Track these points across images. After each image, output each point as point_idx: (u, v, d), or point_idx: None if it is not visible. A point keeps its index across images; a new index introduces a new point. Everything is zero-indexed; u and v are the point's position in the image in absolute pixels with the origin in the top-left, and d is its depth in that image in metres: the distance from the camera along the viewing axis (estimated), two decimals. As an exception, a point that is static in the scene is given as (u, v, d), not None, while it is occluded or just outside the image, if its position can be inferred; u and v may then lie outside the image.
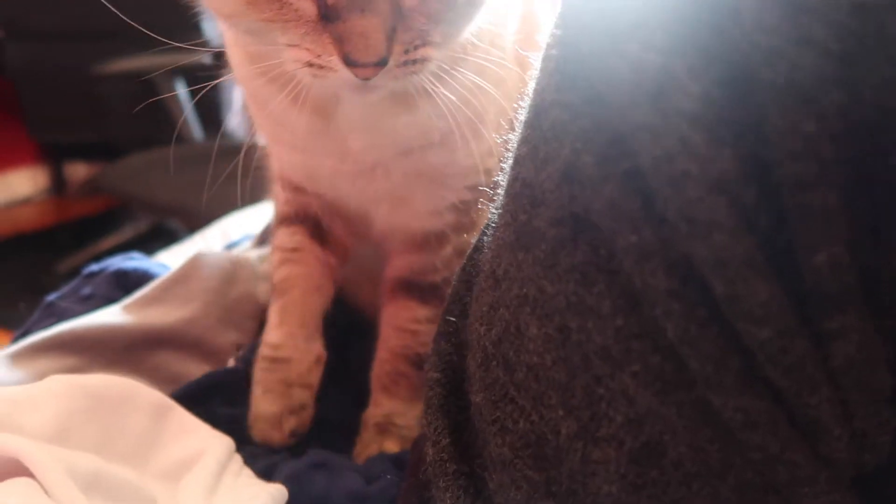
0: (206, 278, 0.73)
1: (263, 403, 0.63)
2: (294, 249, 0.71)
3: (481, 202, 0.64)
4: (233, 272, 0.77)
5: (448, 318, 0.53)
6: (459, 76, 0.56)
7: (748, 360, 0.30)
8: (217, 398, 0.62)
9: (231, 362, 0.70)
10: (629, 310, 0.34)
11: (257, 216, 1.29)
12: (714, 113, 0.29)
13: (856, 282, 0.28)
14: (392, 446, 0.69)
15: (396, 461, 0.65)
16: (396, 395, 0.71)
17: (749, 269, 0.29)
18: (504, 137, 0.50)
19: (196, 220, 1.97)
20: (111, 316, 0.69)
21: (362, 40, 0.47)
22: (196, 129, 2.43)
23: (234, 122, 2.92)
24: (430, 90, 0.55)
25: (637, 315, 0.34)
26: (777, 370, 0.29)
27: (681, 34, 0.30)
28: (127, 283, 0.78)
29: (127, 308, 0.70)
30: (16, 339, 0.71)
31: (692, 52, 0.29)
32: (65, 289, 0.76)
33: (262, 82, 0.61)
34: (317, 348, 0.68)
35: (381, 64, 0.48)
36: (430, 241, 0.70)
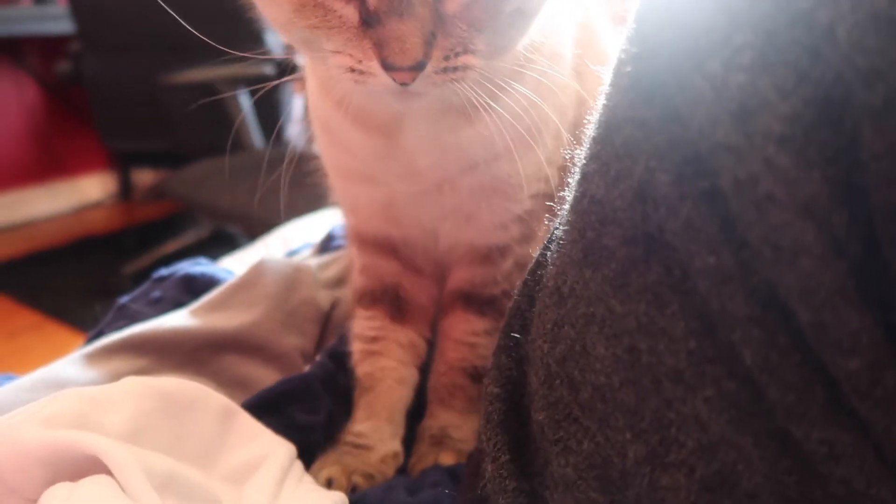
0: (269, 284, 0.75)
1: (335, 472, 0.62)
2: (374, 339, 0.71)
3: (547, 216, 0.64)
4: (295, 278, 0.78)
5: (509, 332, 0.53)
6: (518, 88, 0.56)
7: (833, 391, 0.29)
8: (294, 406, 0.63)
9: (305, 369, 0.71)
10: (703, 333, 0.33)
11: (317, 224, 1.31)
12: (803, 134, 0.28)
13: None
14: (447, 458, 0.69)
15: (451, 473, 0.65)
16: (453, 408, 0.71)
17: (838, 297, 0.28)
18: (569, 153, 0.50)
19: (256, 226, 2.02)
20: (179, 320, 0.71)
21: (399, 44, 0.47)
22: (257, 138, 2.50)
23: (293, 131, 3.00)
24: (488, 103, 0.55)
25: (712, 339, 0.33)
26: (865, 403, 0.28)
27: (769, 53, 0.29)
28: (195, 287, 0.80)
29: (194, 312, 0.73)
30: (90, 340, 0.74)
31: (781, 72, 0.29)
32: (136, 292, 0.79)
33: (334, 110, 0.63)
34: (397, 447, 0.68)
35: (418, 68, 0.48)
36: (492, 255, 0.70)
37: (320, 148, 0.72)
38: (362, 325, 0.73)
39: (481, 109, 0.58)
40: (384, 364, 0.70)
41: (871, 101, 0.26)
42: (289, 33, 0.54)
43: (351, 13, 0.49)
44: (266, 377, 0.70)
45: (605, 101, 0.42)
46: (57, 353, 0.71)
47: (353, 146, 0.65)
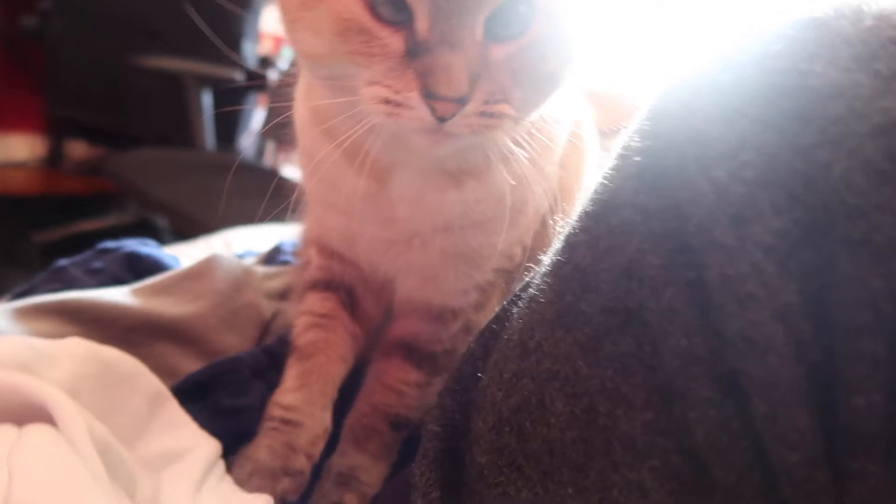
0: (218, 280, 0.74)
1: (264, 456, 0.61)
2: (324, 315, 0.71)
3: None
4: (243, 280, 0.78)
5: (459, 377, 0.55)
6: (514, 163, 0.57)
7: (769, 478, 0.32)
8: (221, 390, 0.62)
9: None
10: (661, 406, 0.36)
11: (261, 235, 1.31)
12: (788, 248, 0.32)
13: (885, 428, 0.30)
14: (351, 500, 0.69)
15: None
16: (366, 450, 0.70)
17: (793, 396, 0.31)
18: (554, 222, 0.53)
19: (186, 224, 1.99)
20: (119, 296, 0.69)
21: (446, 74, 0.47)
22: (210, 139, 2.47)
23: (246, 142, 2.97)
24: (486, 168, 0.56)
25: (668, 413, 0.36)
26: (797, 495, 0.32)
27: (769, 173, 0.33)
28: (138, 266, 0.78)
29: (136, 292, 0.71)
30: (19, 295, 0.70)
31: (777, 191, 0.33)
32: (76, 257, 0.76)
33: (323, 141, 0.63)
34: (328, 420, 0.67)
35: (461, 102, 0.48)
36: (445, 316, 0.71)
37: (302, 168, 0.72)
38: (314, 302, 0.71)
39: (474, 179, 0.60)
40: (329, 337, 0.69)
41: (851, 234, 0.30)
42: (324, 61, 0.53)
43: (396, 42, 0.49)
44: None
45: (604, 182, 0.45)
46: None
47: (339, 183, 0.64)
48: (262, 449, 0.61)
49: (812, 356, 0.31)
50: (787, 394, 0.31)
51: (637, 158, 0.41)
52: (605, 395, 0.38)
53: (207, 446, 0.53)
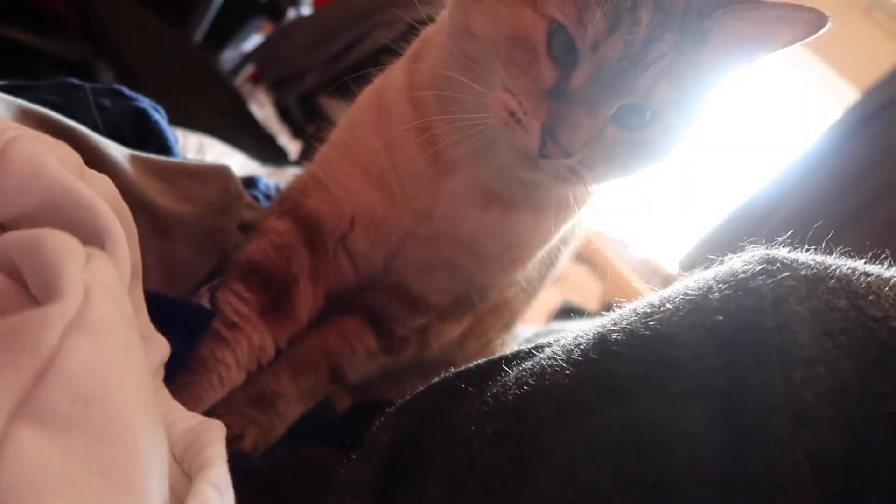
0: (218, 195, 0.71)
1: None
2: (231, 325, 0.64)
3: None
4: (233, 205, 0.75)
5: (420, 401, 0.55)
6: (564, 212, 0.64)
7: None
8: (178, 327, 0.55)
9: (205, 301, 0.65)
10: None
11: (235, 158, 1.26)
12: (829, 463, 0.35)
13: None
14: (250, 440, 0.66)
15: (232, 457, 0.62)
16: (298, 383, 0.70)
17: None
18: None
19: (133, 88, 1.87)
20: (120, 155, 0.63)
21: (573, 129, 0.53)
22: (200, 33, 2.37)
23: (229, 56, 2.85)
24: (518, 204, 0.62)
25: None
26: None
27: (837, 396, 0.37)
28: (142, 128, 0.73)
29: (134, 160, 0.65)
30: (18, 88, 0.64)
31: (839, 415, 0.36)
32: (92, 83, 0.69)
33: (408, 108, 0.66)
34: None
35: (567, 155, 0.55)
36: (418, 305, 0.74)
37: (355, 127, 0.72)
38: (231, 302, 0.65)
39: (503, 212, 0.64)
40: (222, 357, 0.63)
41: (893, 486, 0.34)
42: (478, 45, 0.57)
43: (550, 76, 0.54)
44: (149, 270, 0.63)
45: (663, 315, 0.46)
46: None
47: (401, 154, 0.66)
48: None
49: None
50: None
51: (719, 317, 0.42)
52: (596, 500, 0.40)
53: (160, 343, 0.49)
